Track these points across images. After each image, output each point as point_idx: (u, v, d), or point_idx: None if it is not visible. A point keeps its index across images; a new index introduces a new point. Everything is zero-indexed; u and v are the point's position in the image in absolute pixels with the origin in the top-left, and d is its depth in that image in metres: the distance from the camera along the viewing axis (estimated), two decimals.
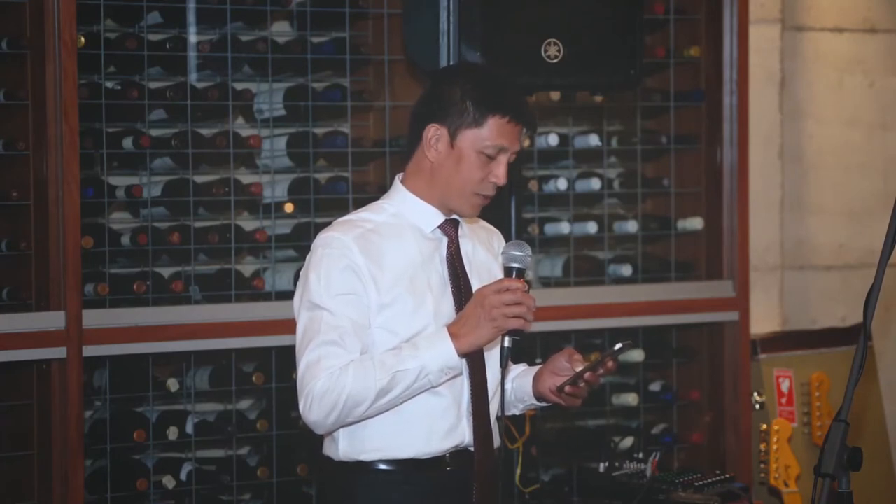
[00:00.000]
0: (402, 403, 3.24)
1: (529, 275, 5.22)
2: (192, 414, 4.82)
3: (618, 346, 3.23)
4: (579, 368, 3.30)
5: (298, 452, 4.85)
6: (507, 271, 3.26)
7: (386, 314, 3.26)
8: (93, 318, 4.48)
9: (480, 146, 3.28)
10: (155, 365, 4.76)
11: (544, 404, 3.45)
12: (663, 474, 4.93)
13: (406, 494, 3.31)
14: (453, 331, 3.22)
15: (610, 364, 3.27)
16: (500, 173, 3.30)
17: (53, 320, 4.42)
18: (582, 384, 3.31)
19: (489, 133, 3.28)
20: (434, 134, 3.30)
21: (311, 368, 3.20)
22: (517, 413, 3.55)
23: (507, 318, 3.18)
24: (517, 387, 3.48)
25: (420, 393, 3.24)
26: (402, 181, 3.39)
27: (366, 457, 3.31)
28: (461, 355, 3.22)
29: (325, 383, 3.18)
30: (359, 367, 3.19)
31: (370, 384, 3.18)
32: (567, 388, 3.32)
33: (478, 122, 3.28)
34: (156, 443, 4.74)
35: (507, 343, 3.23)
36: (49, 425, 4.45)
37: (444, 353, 3.20)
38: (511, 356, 3.39)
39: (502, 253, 3.29)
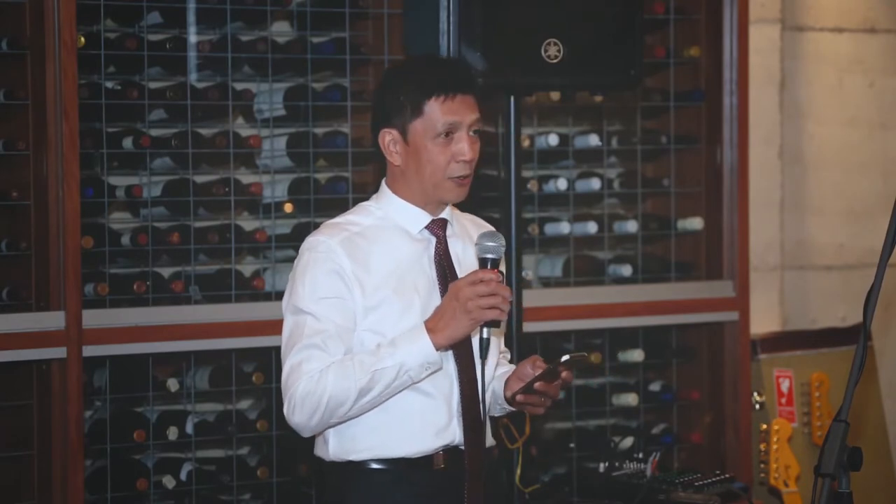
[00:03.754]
0: (385, 401, 3.25)
1: (529, 275, 5.24)
2: (192, 414, 4.82)
3: (565, 357, 3.21)
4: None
5: (298, 452, 4.85)
6: (482, 262, 3.26)
7: (373, 317, 3.27)
8: (93, 318, 4.48)
9: (432, 132, 3.29)
10: (155, 365, 4.76)
11: (514, 409, 3.45)
12: (663, 474, 4.93)
13: (398, 493, 3.31)
14: (430, 325, 3.22)
15: (564, 374, 3.27)
16: (463, 150, 3.30)
17: (53, 320, 4.42)
18: (540, 393, 3.29)
19: (433, 116, 3.28)
20: (388, 139, 3.33)
21: (293, 372, 3.22)
22: (497, 415, 3.55)
23: (482, 310, 3.19)
24: (495, 389, 3.47)
25: (403, 389, 3.25)
26: (388, 185, 3.41)
27: (356, 456, 3.32)
28: (439, 349, 3.22)
29: (307, 386, 3.19)
30: (339, 369, 3.20)
31: (350, 384, 3.19)
32: (519, 397, 3.31)
33: (417, 112, 3.29)
34: (156, 443, 4.74)
35: (485, 334, 3.24)
36: (49, 425, 4.45)
37: (422, 349, 3.21)
38: (509, 357, 3.38)
39: (476, 244, 3.29)
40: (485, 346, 3.24)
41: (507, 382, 3.40)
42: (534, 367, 3.32)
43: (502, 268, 3.34)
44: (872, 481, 5.60)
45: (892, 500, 5.76)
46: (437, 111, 3.28)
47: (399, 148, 3.33)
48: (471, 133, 3.31)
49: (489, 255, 3.25)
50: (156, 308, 4.65)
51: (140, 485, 4.66)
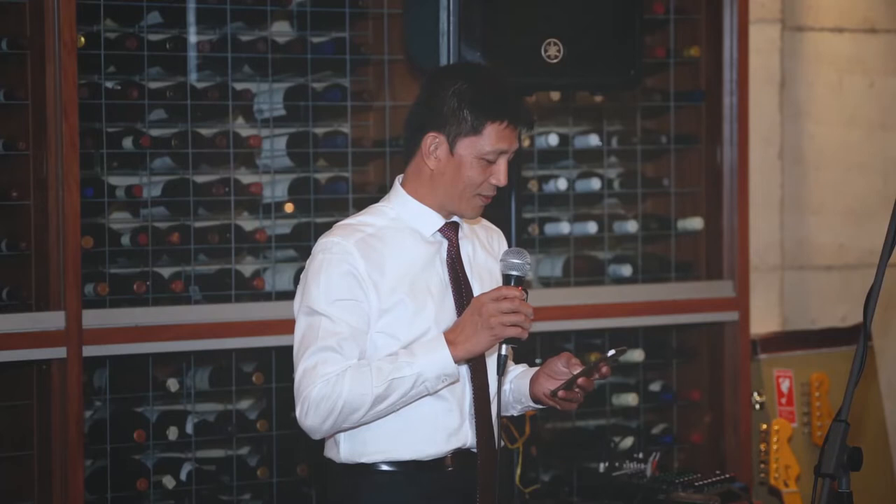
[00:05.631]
0: (399, 409, 3.25)
1: (530, 275, 5.24)
2: (192, 414, 4.82)
3: (611, 352, 3.22)
4: (576, 372, 3.30)
5: (298, 452, 4.85)
6: (506, 279, 3.26)
7: (387, 319, 3.26)
8: (93, 318, 4.48)
9: (480, 153, 3.28)
10: (155, 365, 4.76)
11: (541, 406, 3.45)
12: (663, 474, 4.93)
13: (408, 495, 3.31)
14: (450, 338, 3.21)
15: (604, 369, 3.27)
16: (500, 175, 3.31)
17: (53, 320, 4.42)
18: (576, 389, 3.31)
19: (488, 139, 3.28)
20: (433, 142, 3.30)
21: (307, 374, 3.20)
22: (515, 414, 3.55)
23: (504, 327, 3.18)
24: (515, 388, 3.48)
25: (417, 399, 3.25)
26: (402, 184, 3.39)
27: (367, 458, 3.31)
28: (458, 363, 3.22)
29: (322, 390, 3.18)
30: (355, 374, 3.19)
31: (367, 391, 3.18)
32: (561, 393, 3.31)
33: (476, 130, 3.28)
34: (156, 443, 4.74)
35: (503, 351, 3.24)
36: (49, 425, 4.45)
37: (440, 361, 3.20)
38: (511, 356, 3.38)
39: (501, 260, 3.29)
40: (502, 362, 3.24)
41: (534, 380, 3.40)
42: (567, 365, 3.32)
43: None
44: (872, 481, 5.60)
45: (892, 501, 5.76)
46: (493, 136, 3.28)
47: (441, 154, 3.30)
48: (508, 159, 3.32)
49: (513, 272, 3.25)
50: (156, 308, 4.65)
51: (140, 485, 4.66)
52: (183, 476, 4.77)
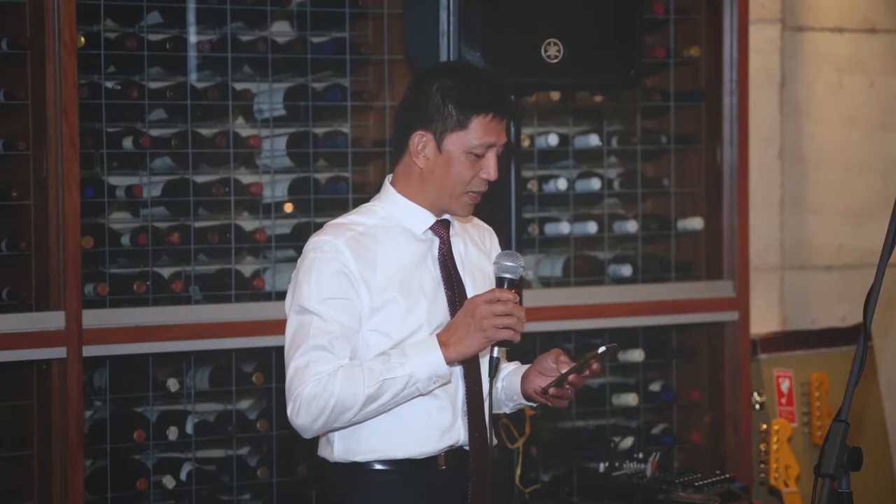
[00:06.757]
0: (390, 409, 3.25)
1: (529, 275, 5.24)
2: (192, 414, 4.82)
3: (601, 348, 3.22)
4: (565, 370, 3.30)
5: (298, 452, 4.85)
6: (499, 282, 3.26)
7: (379, 317, 3.27)
8: (93, 318, 4.48)
9: (468, 147, 3.29)
10: (155, 365, 4.76)
11: (533, 404, 3.45)
12: (663, 474, 4.93)
13: (406, 495, 3.32)
14: (443, 339, 3.22)
15: (595, 366, 3.27)
16: (490, 169, 3.31)
17: (53, 320, 4.42)
18: (567, 386, 3.30)
19: (475, 133, 3.29)
20: (420, 141, 3.31)
21: (299, 373, 3.21)
22: (508, 412, 3.55)
23: (497, 329, 3.19)
24: (507, 385, 3.48)
25: (409, 399, 3.25)
26: (392, 184, 3.40)
27: (361, 457, 3.32)
28: (450, 364, 3.23)
29: (314, 389, 3.19)
30: (347, 374, 3.19)
31: (358, 391, 3.19)
32: (551, 390, 3.31)
33: (462, 125, 3.28)
34: (156, 443, 4.74)
35: (496, 353, 3.24)
36: (49, 425, 4.45)
37: (432, 362, 3.21)
38: (508, 356, 3.38)
39: (494, 262, 3.30)
40: (494, 364, 3.24)
41: (525, 377, 3.40)
42: (557, 362, 3.32)
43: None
44: (872, 481, 5.60)
45: (892, 501, 5.76)
46: (479, 129, 3.29)
47: (429, 152, 3.31)
48: (497, 154, 3.33)
49: (506, 275, 3.25)
50: (156, 308, 4.65)
51: (140, 485, 4.66)
52: (183, 476, 4.77)
